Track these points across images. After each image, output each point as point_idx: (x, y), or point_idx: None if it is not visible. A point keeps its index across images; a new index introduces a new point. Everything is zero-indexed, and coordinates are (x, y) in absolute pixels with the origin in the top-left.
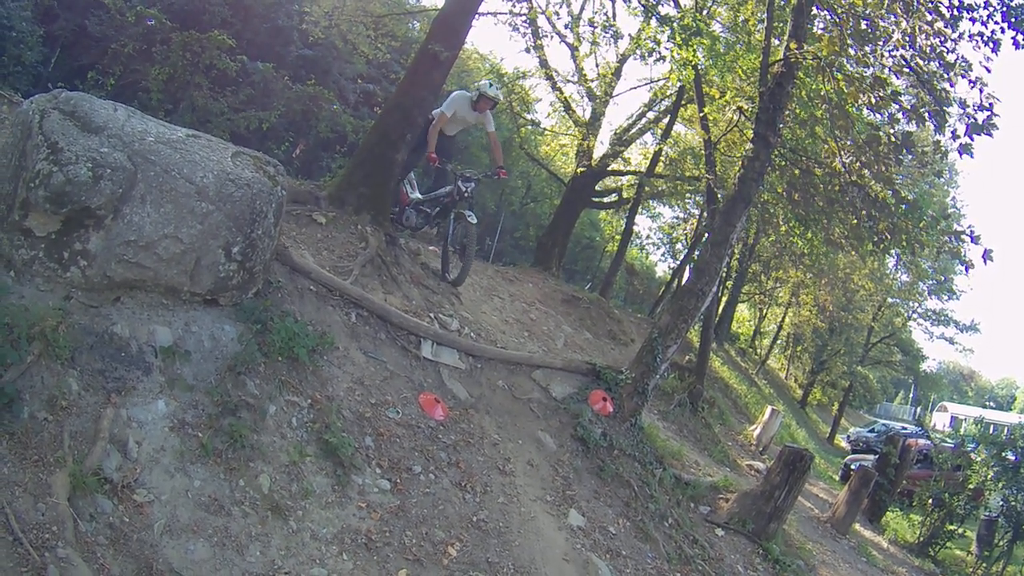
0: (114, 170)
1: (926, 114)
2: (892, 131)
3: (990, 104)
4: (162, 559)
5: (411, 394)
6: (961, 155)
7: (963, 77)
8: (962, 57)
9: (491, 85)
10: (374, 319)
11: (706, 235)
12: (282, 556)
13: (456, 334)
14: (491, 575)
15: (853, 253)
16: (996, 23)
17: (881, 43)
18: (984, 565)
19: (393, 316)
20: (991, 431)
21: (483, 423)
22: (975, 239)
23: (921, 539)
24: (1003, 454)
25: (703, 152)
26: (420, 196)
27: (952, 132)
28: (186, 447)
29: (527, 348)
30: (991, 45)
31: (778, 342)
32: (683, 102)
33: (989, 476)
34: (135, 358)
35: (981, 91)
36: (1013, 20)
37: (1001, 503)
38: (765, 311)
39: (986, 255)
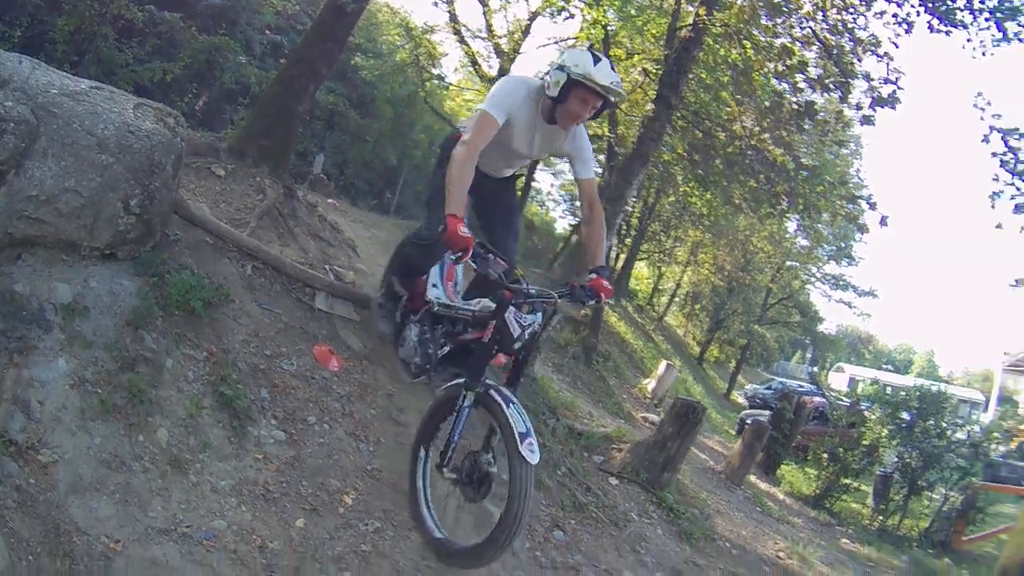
0: (17, 124)
1: (831, 84)
2: (795, 99)
3: (896, 78)
4: (68, 519)
5: (306, 346)
6: (863, 125)
7: (872, 53)
8: (872, 34)
9: (596, 60)
10: (269, 271)
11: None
12: (183, 510)
13: (351, 286)
14: (387, 523)
15: (752, 216)
16: (912, 6)
17: (794, 15)
18: (880, 518)
19: (288, 267)
20: (888, 392)
21: (377, 374)
22: (872, 205)
23: (817, 492)
24: (898, 414)
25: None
26: (447, 299)
27: (856, 104)
28: (87, 404)
29: None
30: (905, 26)
31: (676, 300)
32: None
33: (883, 434)
34: (36, 316)
35: (888, 65)
36: (930, 4)
37: (896, 459)
38: (664, 269)
39: (883, 220)
